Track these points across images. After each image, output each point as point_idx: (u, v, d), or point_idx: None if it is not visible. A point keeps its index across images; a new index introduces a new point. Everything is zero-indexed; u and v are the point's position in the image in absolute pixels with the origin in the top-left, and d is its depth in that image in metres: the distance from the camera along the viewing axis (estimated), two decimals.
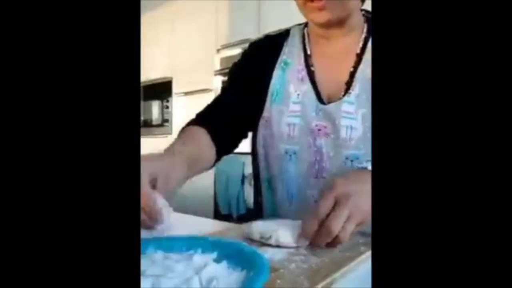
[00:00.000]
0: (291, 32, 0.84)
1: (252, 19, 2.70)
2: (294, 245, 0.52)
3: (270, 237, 0.53)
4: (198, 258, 0.43)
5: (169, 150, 0.66)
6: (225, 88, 0.87)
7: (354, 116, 0.70)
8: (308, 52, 0.78)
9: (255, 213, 0.85)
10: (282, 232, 0.53)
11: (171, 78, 3.38)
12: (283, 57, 0.80)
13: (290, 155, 0.75)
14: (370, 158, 0.67)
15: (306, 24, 0.82)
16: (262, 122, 0.80)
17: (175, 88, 3.35)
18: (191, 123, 0.79)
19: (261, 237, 0.54)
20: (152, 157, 0.60)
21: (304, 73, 0.76)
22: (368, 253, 0.50)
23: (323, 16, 0.69)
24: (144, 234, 0.40)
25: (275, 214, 0.78)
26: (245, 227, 0.59)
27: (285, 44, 0.81)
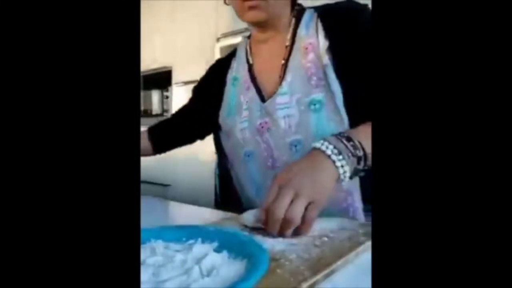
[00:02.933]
0: (238, 48, 0.92)
1: None
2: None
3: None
4: (198, 248, 0.44)
5: None
6: (186, 103, 1.03)
7: (289, 105, 0.75)
8: (251, 62, 0.86)
9: (229, 205, 0.92)
10: None
11: (171, 67, 3.36)
12: (232, 74, 0.89)
13: (248, 155, 0.82)
14: (311, 140, 0.69)
15: (249, 36, 0.90)
16: (223, 136, 0.89)
17: (174, 78, 3.34)
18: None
19: (257, 224, 0.55)
20: None
21: (249, 82, 0.83)
22: (368, 243, 0.50)
23: (254, 15, 0.75)
24: (144, 224, 0.40)
25: (250, 204, 0.84)
26: (240, 217, 0.59)
27: (233, 61, 0.91)
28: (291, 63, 0.76)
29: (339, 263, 0.43)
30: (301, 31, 0.78)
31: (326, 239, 0.52)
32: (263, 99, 0.80)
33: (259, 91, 0.81)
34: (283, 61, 0.77)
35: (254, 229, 0.55)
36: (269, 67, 0.81)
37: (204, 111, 0.94)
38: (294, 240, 0.51)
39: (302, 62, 0.75)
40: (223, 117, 0.88)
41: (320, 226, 0.57)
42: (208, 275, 0.37)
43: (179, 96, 3.29)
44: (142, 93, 3.56)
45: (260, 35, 0.83)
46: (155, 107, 3.51)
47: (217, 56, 2.83)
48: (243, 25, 2.69)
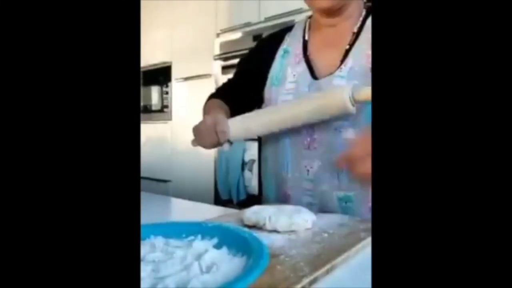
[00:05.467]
0: (295, 25, 0.92)
1: (253, 3, 2.66)
2: (290, 229, 0.53)
3: (264, 224, 0.54)
4: (198, 244, 0.44)
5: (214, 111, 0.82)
6: (234, 74, 0.99)
7: None
8: (306, 38, 0.85)
9: (258, 189, 0.91)
10: (281, 217, 0.54)
11: (171, 63, 3.36)
12: (283, 46, 0.88)
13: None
14: (355, 127, 0.71)
15: (310, 16, 0.89)
16: (263, 106, 0.87)
17: (174, 74, 3.33)
18: (211, 97, 0.96)
19: (257, 223, 0.55)
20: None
21: (300, 56, 0.83)
22: (368, 239, 0.50)
23: (325, 2, 0.76)
24: (144, 220, 0.40)
25: (272, 184, 0.84)
26: (241, 214, 0.59)
27: (287, 35, 0.90)
28: (355, 50, 0.76)
29: (339, 259, 0.43)
30: (370, 21, 0.78)
31: (326, 235, 0.52)
32: (314, 77, 0.79)
33: (310, 67, 0.81)
34: (347, 46, 0.77)
35: (253, 227, 0.55)
36: (328, 48, 0.80)
37: (251, 83, 0.92)
38: (294, 236, 0.51)
39: (366, 52, 0.75)
40: (268, 87, 0.87)
41: (320, 222, 0.57)
42: (208, 271, 0.37)
43: (179, 92, 3.29)
44: (142, 89, 3.56)
45: (326, 21, 0.82)
46: (155, 103, 3.51)
47: (217, 52, 2.82)
48: (242, 20, 2.69)
